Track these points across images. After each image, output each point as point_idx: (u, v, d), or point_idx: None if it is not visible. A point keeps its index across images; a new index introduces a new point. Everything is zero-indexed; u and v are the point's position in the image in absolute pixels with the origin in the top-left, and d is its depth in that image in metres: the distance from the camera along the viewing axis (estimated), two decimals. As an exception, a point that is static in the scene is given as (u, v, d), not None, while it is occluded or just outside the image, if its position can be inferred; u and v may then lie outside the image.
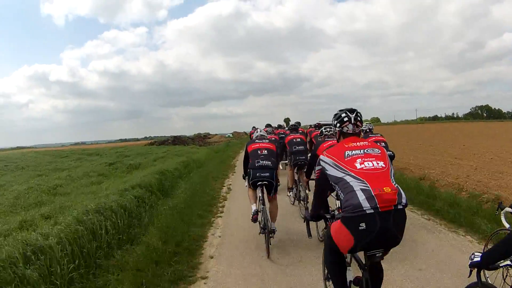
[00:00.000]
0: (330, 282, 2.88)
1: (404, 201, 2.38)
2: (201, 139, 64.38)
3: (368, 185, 2.35)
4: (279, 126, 15.14)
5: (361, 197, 2.32)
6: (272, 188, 5.30)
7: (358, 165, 2.48)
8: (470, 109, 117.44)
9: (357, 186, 2.37)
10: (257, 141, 5.65)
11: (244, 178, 5.64)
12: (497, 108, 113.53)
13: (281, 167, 9.77)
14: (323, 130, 6.06)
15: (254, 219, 5.12)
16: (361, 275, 2.58)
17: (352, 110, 2.83)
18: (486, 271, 2.75)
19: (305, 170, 6.45)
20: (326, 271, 3.17)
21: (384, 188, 2.34)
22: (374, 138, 5.89)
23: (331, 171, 2.56)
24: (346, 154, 2.57)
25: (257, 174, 5.24)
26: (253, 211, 5.13)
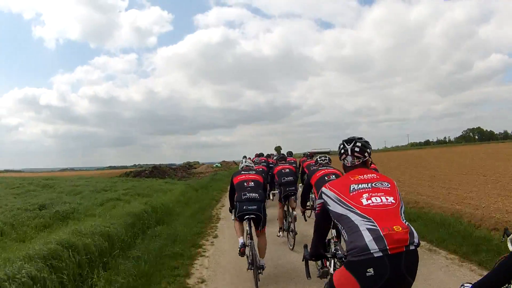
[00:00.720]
0: None
1: (416, 240, 2.11)
2: (186, 169, 58.35)
3: (376, 224, 2.10)
4: (268, 156, 14.87)
5: (368, 238, 2.06)
6: (260, 221, 5.09)
7: (364, 201, 2.22)
8: (462, 132, 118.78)
9: (363, 225, 2.12)
10: (243, 172, 5.46)
11: (230, 211, 5.45)
12: (488, 130, 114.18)
13: (270, 197, 9.76)
14: (318, 159, 5.87)
15: (242, 253, 4.94)
16: None
17: (350, 140, 2.59)
18: None
19: (293, 198, 7.08)
20: None
21: (394, 227, 2.08)
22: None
23: (334, 207, 2.32)
24: (352, 188, 2.32)
25: (244, 207, 5.04)
26: (240, 244, 4.93)
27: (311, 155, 11.57)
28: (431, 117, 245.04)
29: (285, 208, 7.17)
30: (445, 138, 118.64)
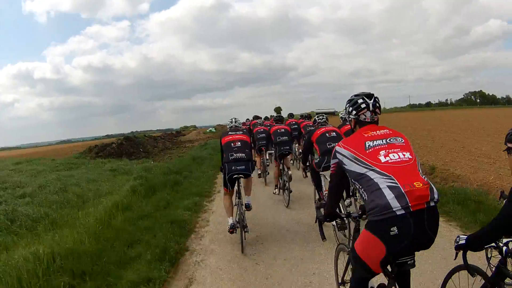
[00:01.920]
0: (346, 286, 2.78)
1: (436, 196, 2.08)
2: (172, 136, 51.16)
3: (397, 181, 2.06)
4: (266, 118, 15.17)
5: (390, 195, 2.02)
6: (249, 177, 5.37)
7: (382, 158, 2.18)
8: (463, 95, 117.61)
9: (383, 183, 2.07)
10: (230, 133, 5.62)
11: (221, 170, 5.47)
12: (491, 94, 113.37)
13: (267, 157, 10.25)
14: (316, 118, 6.22)
15: (231, 232, 5.14)
16: (386, 283, 2.33)
17: (369, 96, 2.53)
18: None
19: (289, 157, 7.77)
20: (342, 274, 3.04)
21: (415, 183, 2.04)
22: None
23: (351, 166, 2.26)
24: (367, 145, 2.27)
25: (233, 168, 5.18)
26: (229, 224, 5.11)
27: (308, 116, 12.04)
28: (428, 80, 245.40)
29: (281, 167, 7.58)
30: (446, 100, 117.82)
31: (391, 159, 2.17)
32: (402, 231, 1.99)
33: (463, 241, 2.22)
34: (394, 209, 1.99)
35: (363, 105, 2.48)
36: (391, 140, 2.30)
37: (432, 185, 2.11)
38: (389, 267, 2.26)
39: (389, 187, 2.05)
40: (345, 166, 2.32)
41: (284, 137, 7.85)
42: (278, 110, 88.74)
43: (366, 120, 2.48)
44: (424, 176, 2.15)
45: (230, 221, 5.12)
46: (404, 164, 2.15)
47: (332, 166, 2.49)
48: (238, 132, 5.58)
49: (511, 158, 2.24)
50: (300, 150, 9.85)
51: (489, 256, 2.77)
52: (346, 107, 2.63)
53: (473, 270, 2.35)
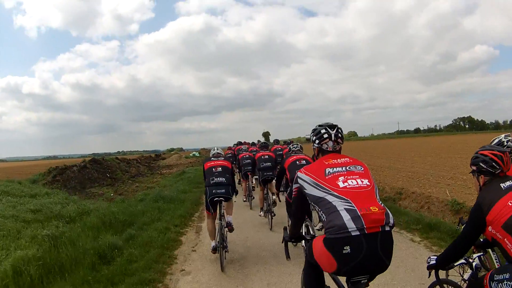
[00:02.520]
0: None
1: (391, 221, 2.27)
2: (151, 160, 46.65)
3: (354, 205, 2.22)
4: (253, 144, 15.81)
5: (346, 217, 2.17)
6: (229, 200, 5.73)
7: (341, 184, 2.34)
8: (452, 121, 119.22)
9: (341, 205, 2.24)
10: (213, 159, 6.06)
11: (206, 196, 5.80)
12: (479, 119, 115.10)
13: (254, 182, 10.69)
14: (291, 147, 6.74)
15: (214, 253, 5.48)
16: None
17: (332, 126, 2.67)
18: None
19: (273, 182, 7.78)
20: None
21: (371, 208, 2.21)
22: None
23: (310, 190, 2.42)
24: (327, 171, 2.43)
25: (213, 191, 5.54)
26: (212, 247, 5.48)
27: (291, 142, 12.33)
28: (415, 106, 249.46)
29: (265, 192, 8.02)
30: (435, 126, 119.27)
31: (349, 185, 2.33)
32: (354, 250, 2.14)
33: (434, 261, 2.55)
34: (349, 230, 2.15)
35: (326, 135, 2.64)
36: (350, 168, 2.47)
37: (388, 210, 2.30)
38: (343, 284, 2.45)
39: (346, 209, 2.21)
40: (306, 191, 2.47)
41: (268, 163, 8.46)
42: (266, 135, 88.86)
43: (328, 149, 2.64)
44: (380, 202, 2.33)
45: (213, 244, 5.47)
46: (361, 189, 2.32)
47: (294, 190, 2.63)
48: (219, 158, 6.05)
49: (475, 179, 2.53)
50: None
51: (461, 272, 2.94)
52: (310, 136, 2.77)
53: (443, 282, 2.73)
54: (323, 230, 2.38)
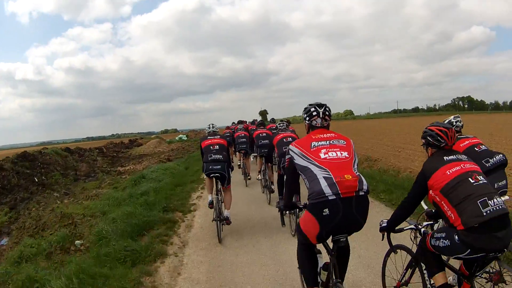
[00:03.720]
0: None
1: (365, 187, 2.64)
2: (122, 147, 40.18)
3: (330, 173, 2.60)
4: (252, 122, 16.57)
5: (323, 184, 2.57)
6: (224, 179, 6.07)
7: (322, 155, 2.73)
8: (451, 101, 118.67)
9: (320, 174, 2.63)
10: (209, 137, 6.46)
11: (203, 170, 6.28)
12: (479, 100, 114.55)
13: (252, 159, 11.39)
14: (278, 125, 7.59)
15: (211, 207, 6.09)
16: (329, 261, 2.86)
17: (320, 105, 3.05)
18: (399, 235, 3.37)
19: (272, 162, 8.45)
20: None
21: (345, 176, 2.59)
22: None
23: (298, 160, 2.83)
24: (312, 145, 2.82)
25: (210, 167, 6.01)
26: (209, 200, 6.13)
27: (288, 122, 13.57)
28: (411, 85, 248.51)
29: (263, 168, 8.81)
30: (434, 105, 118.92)
31: (329, 156, 2.73)
32: (332, 212, 2.55)
33: (385, 224, 3.02)
34: (326, 195, 2.56)
35: (314, 113, 3.03)
36: (333, 142, 2.86)
37: (362, 178, 2.68)
38: (330, 245, 2.87)
39: (324, 177, 2.62)
40: (295, 161, 2.89)
41: (265, 141, 9.04)
42: (263, 113, 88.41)
43: (317, 125, 3.03)
44: (356, 171, 2.70)
45: (210, 197, 6.16)
46: (340, 160, 2.72)
47: (286, 160, 3.13)
48: (216, 137, 6.46)
49: (425, 151, 2.99)
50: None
51: (412, 237, 3.35)
52: (302, 114, 3.16)
53: (397, 248, 3.21)
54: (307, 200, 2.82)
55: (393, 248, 3.24)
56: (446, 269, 2.84)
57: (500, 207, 2.43)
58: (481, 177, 2.58)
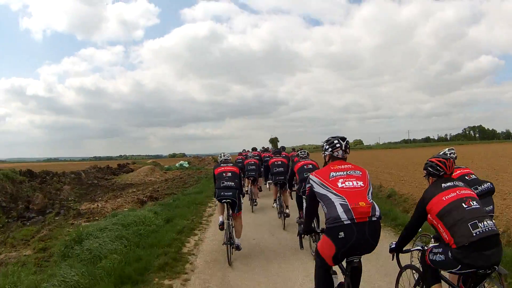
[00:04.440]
0: None
1: (377, 213, 2.99)
2: (108, 172, 35.09)
3: (346, 201, 2.95)
4: (265, 150, 17.76)
5: (340, 210, 2.92)
6: (235, 205, 6.37)
7: (339, 184, 3.07)
8: (462, 130, 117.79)
9: (337, 201, 2.97)
10: (222, 164, 6.81)
11: (214, 196, 6.62)
12: (490, 129, 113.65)
13: (267, 186, 12.38)
14: (299, 153, 8.01)
15: (221, 228, 6.30)
16: (344, 281, 3.22)
17: (343, 138, 3.42)
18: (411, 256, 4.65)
19: (287, 191, 9.11)
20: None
21: (360, 203, 2.93)
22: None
23: (317, 189, 3.17)
24: (331, 175, 3.16)
25: (222, 193, 6.34)
26: (219, 222, 6.38)
27: (297, 150, 14.56)
28: (419, 116, 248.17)
29: (278, 195, 9.22)
30: (445, 135, 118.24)
31: (346, 186, 3.06)
32: (347, 235, 2.87)
33: (393, 246, 3.38)
34: (342, 220, 2.89)
35: (338, 145, 3.36)
36: (350, 172, 3.19)
37: (375, 205, 3.02)
38: (344, 265, 3.19)
39: (340, 204, 2.96)
40: (314, 189, 3.22)
41: (280, 168, 9.52)
42: (274, 140, 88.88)
43: (338, 156, 3.36)
44: (370, 199, 3.03)
45: (220, 219, 6.41)
46: (355, 189, 3.05)
47: (307, 189, 3.56)
48: (228, 164, 6.83)
49: (427, 181, 3.33)
50: None
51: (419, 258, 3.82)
52: (323, 145, 3.49)
53: (406, 268, 3.69)
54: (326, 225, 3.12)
55: (403, 268, 3.69)
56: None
57: (489, 228, 2.75)
58: (474, 202, 2.90)
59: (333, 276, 3.36)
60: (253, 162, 11.54)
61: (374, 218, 2.93)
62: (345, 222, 2.85)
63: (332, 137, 3.44)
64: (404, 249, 3.39)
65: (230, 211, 6.34)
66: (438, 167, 3.16)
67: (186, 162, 42.49)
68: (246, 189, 12.01)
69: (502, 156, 26.99)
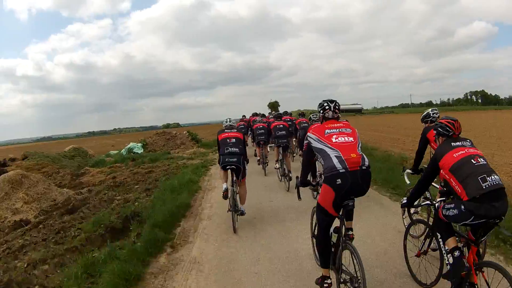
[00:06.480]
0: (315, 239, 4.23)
1: (367, 163, 3.56)
2: None
3: (340, 153, 3.51)
4: (263, 115, 18.72)
5: (335, 161, 3.48)
6: (240, 172, 6.54)
7: (333, 140, 3.63)
8: (463, 95, 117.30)
9: (332, 154, 3.54)
10: (226, 130, 7.02)
11: (219, 162, 6.77)
12: (493, 94, 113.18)
13: (269, 149, 12.81)
14: (311, 117, 8.32)
15: (225, 196, 6.36)
16: (339, 225, 3.75)
17: (332, 101, 3.98)
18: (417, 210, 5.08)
19: (288, 151, 10.32)
20: (313, 228, 4.57)
21: (351, 154, 3.50)
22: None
23: (315, 144, 3.72)
24: (326, 132, 3.72)
25: (226, 160, 6.50)
26: (223, 188, 6.40)
27: (302, 114, 14.72)
28: (411, 81, 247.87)
29: (280, 157, 9.85)
30: (448, 99, 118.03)
31: (339, 141, 3.61)
32: (343, 181, 3.41)
33: (405, 201, 3.93)
34: (337, 169, 3.43)
35: (327, 107, 3.93)
36: (342, 130, 3.73)
37: (364, 156, 3.58)
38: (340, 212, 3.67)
39: (335, 156, 3.50)
40: (312, 144, 3.75)
41: (282, 132, 10.25)
42: (275, 105, 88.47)
43: (329, 117, 3.92)
44: (360, 151, 3.58)
45: (224, 185, 6.45)
46: (347, 144, 3.59)
47: (304, 145, 3.94)
48: (233, 130, 7.04)
49: (438, 140, 3.70)
50: (295, 143, 13.02)
51: (428, 213, 4.57)
52: (317, 108, 4.04)
53: (416, 222, 4.38)
54: (322, 176, 3.63)
55: (413, 221, 4.40)
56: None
57: (497, 182, 3.11)
58: (481, 159, 3.27)
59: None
60: (261, 126, 11.98)
61: (364, 167, 3.49)
62: (340, 171, 3.40)
63: (323, 100, 3.99)
64: (414, 204, 3.96)
65: (235, 178, 6.50)
66: (447, 128, 3.57)
67: (139, 145, 24.04)
68: (259, 158, 12.18)
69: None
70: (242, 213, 6.48)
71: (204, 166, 14.02)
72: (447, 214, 3.36)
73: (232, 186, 6.43)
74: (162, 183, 10.50)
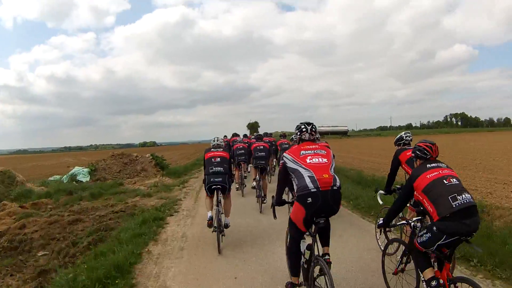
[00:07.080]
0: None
1: (338, 184, 3.76)
2: None
3: (313, 174, 3.70)
4: (245, 136, 18.74)
5: (308, 180, 3.67)
6: (226, 190, 6.67)
7: (308, 160, 3.82)
8: (443, 118, 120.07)
9: (305, 174, 3.73)
10: (213, 149, 7.10)
11: (204, 182, 6.85)
12: (473, 116, 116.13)
13: (249, 170, 13.23)
14: (293, 137, 8.45)
15: (209, 225, 6.47)
16: (311, 242, 3.93)
17: (309, 123, 4.21)
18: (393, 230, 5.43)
19: (266, 172, 10.60)
20: (286, 239, 4.64)
21: (324, 175, 3.70)
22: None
23: (290, 164, 3.91)
24: (301, 153, 3.92)
25: (212, 180, 6.57)
26: (208, 217, 6.51)
27: (284, 135, 15.41)
28: (393, 103, 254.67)
29: (258, 177, 10.00)
30: (428, 122, 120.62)
31: (313, 162, 3.80)
32: (313, 200, 3.60)
33: (381, 222, 3.99)
34: (309, 188, 3.62)
35: (304, 129, 4.14)
36: (317, 151, 3.92)
37: (336, 177, 3.76)
38: (312, 230, 3.85)
39: (308, 176, 3.69)
40: (287, 165, 3.93)
41: (262, 153, 10.49)
42: (254, 125, 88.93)
43: (305, 138, 4.13)
44: (332, 172, 3.77)
45: (209, 214, 6.56)
46: (320, 164, 3.78)
47: (280, 164, 4.14)
48: (219, 149, 7.11)
49: (415, 163, 3.90)
50: (274, 163, 13.87)
51: (404, 231, 4.77)
52: (295, 130, 4.28)
53: (393, 241, 4.61)
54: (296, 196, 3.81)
55: (390, 241, 4.60)
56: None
57: (467, 200, 3.25)
58: (454, 179, 3.42)
59: (301, 241, 4.06)
60: (242, 146, 12.26)
61: (335, 187, 3.68)
62: (312, 190, 3.59)
63: (301, 123, 4.21)
64: (390, 224, 4.02)
65: (220, 197, 6.53)
66: (425, 151, 3.73)
67: (86, 171, 18.90)
68: (237, 182, 11.76)
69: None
70: (227, 226, 6.55)
71: (159, 217, 8.58)
72: (422, 240, 3.48)
73: (217, 206, 6.45)
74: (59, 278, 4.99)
